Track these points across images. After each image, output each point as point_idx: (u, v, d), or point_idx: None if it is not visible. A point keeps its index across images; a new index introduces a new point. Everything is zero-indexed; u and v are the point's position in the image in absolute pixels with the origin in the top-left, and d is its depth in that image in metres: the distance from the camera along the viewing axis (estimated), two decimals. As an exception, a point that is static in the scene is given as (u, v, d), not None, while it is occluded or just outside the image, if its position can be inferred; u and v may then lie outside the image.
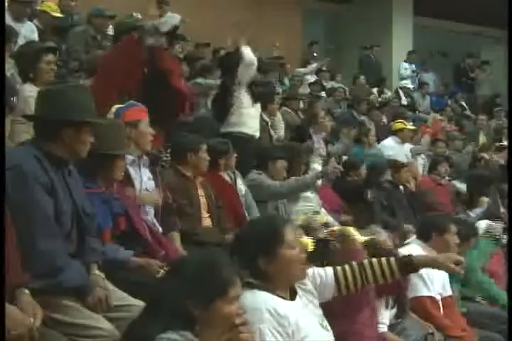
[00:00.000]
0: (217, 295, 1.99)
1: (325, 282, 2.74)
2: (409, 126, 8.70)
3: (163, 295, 1.98)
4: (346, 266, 2.80)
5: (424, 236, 4.47)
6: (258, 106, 6.26)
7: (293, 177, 5.40)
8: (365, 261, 2.85)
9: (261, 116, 6.58)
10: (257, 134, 6.19)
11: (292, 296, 2.58)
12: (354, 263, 2.83)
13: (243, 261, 2.45)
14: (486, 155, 9.05)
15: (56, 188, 2.68)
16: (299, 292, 2.64)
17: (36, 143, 2.75)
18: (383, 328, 3.65)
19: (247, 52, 6.06)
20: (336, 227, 3.58)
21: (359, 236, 3.48)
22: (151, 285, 2.52)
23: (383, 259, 2.84)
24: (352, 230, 3.66)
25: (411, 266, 2.84)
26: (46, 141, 2.73)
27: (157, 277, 3.05)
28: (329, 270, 2.78)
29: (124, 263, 3.16)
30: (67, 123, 2.73)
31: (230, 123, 6.07)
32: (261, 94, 7.17)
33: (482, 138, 10.70)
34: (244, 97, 6.09)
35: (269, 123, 7.09)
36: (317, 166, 5.62)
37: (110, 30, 7.48)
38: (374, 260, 2.84)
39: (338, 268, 2.79)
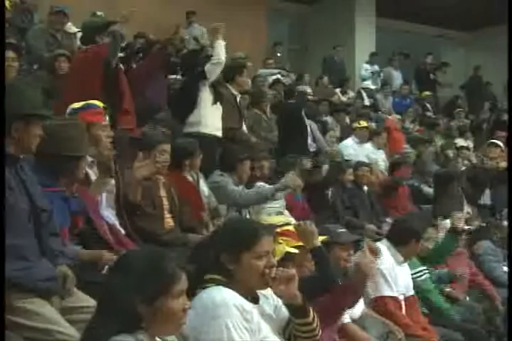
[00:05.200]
0: (161, 291, 1.97)
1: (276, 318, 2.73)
2: (365, 124, 8.71)
3: (109, 293, 1.96)
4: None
5: (399, 241, 4.47)
6: (219, 105, 6.22)
7: (254, 190, 5.29)
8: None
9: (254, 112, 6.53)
10: (219, 134, 6.16)
11: (255, 301, 2.58)
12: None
13: (212, 257, 2.47)
14: (450, 153, 9.13)
15: (12, 186, 2.65)
16: (262, 299, 2.64)
17: None
18: (346, 319, 3.67)
19: (222, 51, 6.05)
20: (291, 226, 3.58)
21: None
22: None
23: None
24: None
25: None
26: None
27: (103, 274, 3.02)
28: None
29: (74, 259, 3.09)
30: (17, 116, 2.70)
31: (189, 123, 6.05)
32: (252, 92, 7.23)
33: (438, 140, 10.85)
34: (205, 96, 6.07)
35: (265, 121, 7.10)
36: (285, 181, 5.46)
37: (71, 28, 7.41)
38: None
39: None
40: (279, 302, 2.71)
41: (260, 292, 2.62)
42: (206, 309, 2.37)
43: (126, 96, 5.31)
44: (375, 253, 3.45)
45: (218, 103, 6.16)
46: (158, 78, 6.46)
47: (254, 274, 2.49)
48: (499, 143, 8.86)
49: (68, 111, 3.86)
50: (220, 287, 2.44)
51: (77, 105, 3.91)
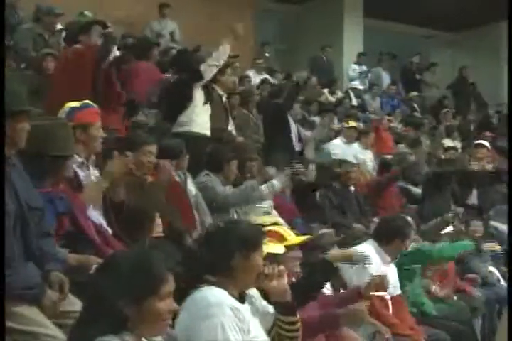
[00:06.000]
0: (148, 292, 1.96)
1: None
2: (353, 124, 8.72)
3: (95, 293, 1.95)
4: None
5: (384, 240, 4.51)
6: (208, 105, 6.22)
7: (242, 189, 5.28)
8: None
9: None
10: (208, 133, 6.16)
11: (242, 301, 2.60)
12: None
13: (210, 257, 2.51)
14: (443, 156, 9.14)
15: None
16: (249, 299, 2.67)
17: None
18: None
19: (224, 56, 6.07)
20: (271, 227, 3.59)
21: (293, 236, 3.52)
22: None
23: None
24: (282, 227, 3.71)
25: None
26: None
27: (90, 275, 3.00)
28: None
29: (64, 262, 3.08)
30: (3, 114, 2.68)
31: (180, 122, 6.04)
32: (239, 92, 7.21)
33: (425, 140, 10.88)
34: (197, 96, 6.08)
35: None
36: (275, 182, 5.46)
37: (56, 27, 7.38)
38: None
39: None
40: (263, 302, 2.75)
41: (247, 292, 2.65)
42: (199, 309, 2.38)
43: (115, 96, 5.30)
44: (382, 287, 3.48)
45: (208, 103, 6.17)
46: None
47: (254, 273, 2.56)
48: (485, 143, 8.91)
49: (66, 109, 3.84)
50: (212, 287, 2.46)
51: (74, 104, 3.89)
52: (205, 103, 6.13)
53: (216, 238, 2.63)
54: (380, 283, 3.63)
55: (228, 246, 2.53)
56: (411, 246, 4.96)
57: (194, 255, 2.71)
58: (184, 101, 6.08)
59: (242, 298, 2.59)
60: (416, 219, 6.14)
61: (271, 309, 2.76)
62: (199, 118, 6.09)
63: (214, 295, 2.42)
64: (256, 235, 2.63)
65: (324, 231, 3.90)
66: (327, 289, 3.93)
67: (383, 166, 7.97)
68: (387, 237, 4.50)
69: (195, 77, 6.10)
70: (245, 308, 2.55)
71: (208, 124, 6.18)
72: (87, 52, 5.10)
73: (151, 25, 10.02)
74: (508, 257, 5.71)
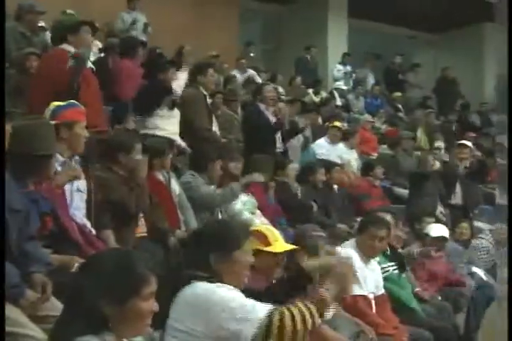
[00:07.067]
0: (130, 293, 1.95)
1: None
2: (338, 124, 8.74)
3: (76, 293, 1.94)
4: None
5: (358, 230, 4.54)
6: (176, 110, 6.19)
7: (225, 189, 5.28)
8: None
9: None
10: (176, 138, 6.12)
11: None
12: None
13: (197, 255, 2.55)
14: (430, 159, 9.08)
15: None
16: None
17: None
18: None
19: (181, 85, 6.18)
20: (258, 227, 3.57)
21: (279, 243, 3.50)
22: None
23: None
24: (272, 231, 3.67)
25: None
26: None
27: (72, 274, 2.98)
28: None
29: (48, 265, 3.07)
30: None
31: (146, 126, 6.04)
32: (224, 92, 7.14)
33: (420, 133, 10.91)
34: (163, 103, 6.08)
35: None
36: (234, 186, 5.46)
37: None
38: None
39: None
40: None
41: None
42: (199, 295, 2.41)
43: (98, 96, 5.26)
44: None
45: (175, 108, 6.14)
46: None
47: (240, 270, 2.60)
48: (468, 143, 8.96)
49: (51, 108, 3.82)
50: (204, 282, 2.48)
51: (60, 103, 3.87)
52: (170, 109, 6.10)
53: (200, 237, 2.65)
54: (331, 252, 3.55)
55: (209, 245, 2.56)
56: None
57: (179, 254, 2.72)
58: (148, 107, 6.07)
59: None
60: (402, 218, 6.12)
61: None
62: (164, 123, 6.05)
63: (208, 284, 2.45)
64: (238, 233, 2.65)
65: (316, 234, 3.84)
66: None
67: (367, 167, 7.98)
68: (360, 227, 4.55)
69: (160, 91, 6.09)
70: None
71: (176, 129, 6.15)
72: (65, 54, 5.05)
73: (122, 16, 9.95)
74: (508, 257, 5.75)
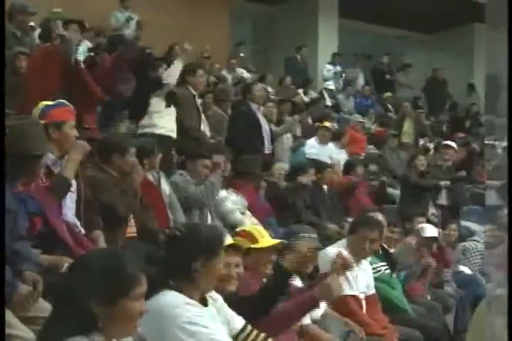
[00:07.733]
0: (120, 293, 1.95)
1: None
2: (328, 124, 8.74)
3: (65, 293, 1.94)
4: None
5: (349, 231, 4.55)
6: (172, 108, 6.20)
7: (205, 185, 5.28)
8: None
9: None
10: (173, 135, 6.14)
11: (204, 303, 2.62)
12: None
13: (171, 261, 2.54)
14: (419, 165, 8.87)
15: None
16: (210, 301, 2.68)
17: None
18: (306, 320, 3.66)
19: (176, 74, 6.13)
20: (246, 227, 3.58)
21: (266, 239, 3.51)
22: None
23: None
24: (257, 228, 3.69)
25: None
26: None
27: (61, 274, 2.98)
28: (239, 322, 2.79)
29: (39, 265, 3.06)
30: None
31: (142, 125, 6.05)
32: (218, 90, 7.13)
33: (407, 126, 10.92)
34: (158, 100, 6.07)
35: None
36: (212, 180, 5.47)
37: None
38: None
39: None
40: (226, 307, 2.77)
41: (213, 296, 2.69)
42: (163, 312, 2.39)
43: (90, 95, 5.26)
44: (347, 267, 3.45)
45: (172, 106, 6.15)
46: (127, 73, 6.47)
47: (214, 276, 2.59)
48: (452, 144, 8.99)
49: (39, 107, 3.80)
50: (172, 291, 2.47)
51: (48, 103, 3.85)
52: (167, 106, 6.11)
53: (178, 242, 2.61)
54: (343, 263, 3.52)
55: (190, 250, 2.55)
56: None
57: (158, 258, 2.71)
58: (143, 105, 6.08)
59: (204, 301, 2.60)
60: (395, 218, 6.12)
61: (236, 316, 2.77)
62: (161, 122, 6.07)
63: (170, 298, 2.43)
64: (217, 240, 2.62)
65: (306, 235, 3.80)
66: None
67: (348, 167, 7.94)
68: (351, 227, 4.56)
69: (153, 86, 6.09)
70: (207, 310, 2.57)
71: (174, 127, 6.18)
72: (53, 51, 5.04)
73: (115, 14, 9.94)
74: (508, 257, 5.75)
